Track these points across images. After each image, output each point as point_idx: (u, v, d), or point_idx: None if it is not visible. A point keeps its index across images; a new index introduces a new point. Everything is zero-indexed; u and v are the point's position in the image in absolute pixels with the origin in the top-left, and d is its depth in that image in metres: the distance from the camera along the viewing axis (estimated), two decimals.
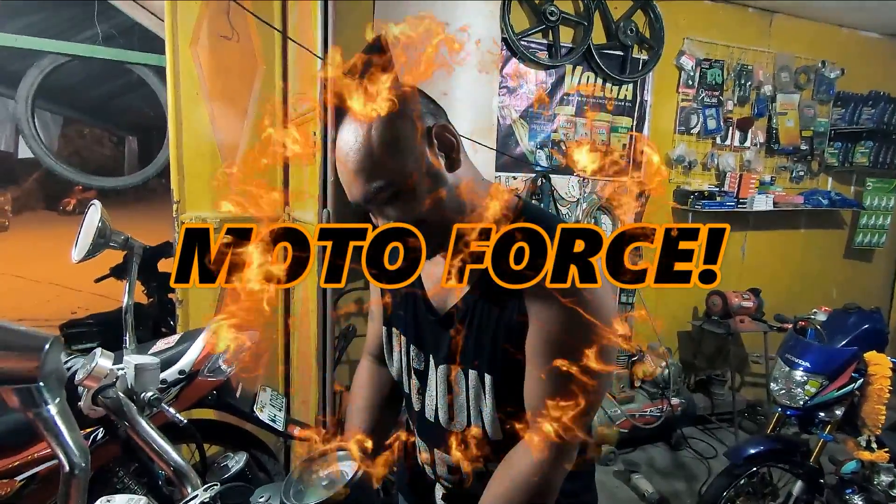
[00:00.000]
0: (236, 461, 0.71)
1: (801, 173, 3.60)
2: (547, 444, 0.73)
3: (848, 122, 3.56)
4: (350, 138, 0.71)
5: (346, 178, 0.73)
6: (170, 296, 2.69)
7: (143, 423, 0.71)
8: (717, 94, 3.25)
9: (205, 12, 2.14)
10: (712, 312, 3.22)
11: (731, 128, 3.33)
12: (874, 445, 1.79)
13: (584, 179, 3.02)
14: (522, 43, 2.75)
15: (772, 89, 3.38)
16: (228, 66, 2.20)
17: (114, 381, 0.75)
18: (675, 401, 2.96)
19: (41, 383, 0.54)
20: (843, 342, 1.93)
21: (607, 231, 3.13)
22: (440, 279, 0.83)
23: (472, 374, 0.80)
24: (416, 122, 0.72)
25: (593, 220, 3.09)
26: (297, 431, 1.71)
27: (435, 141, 0.73)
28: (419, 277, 0.86)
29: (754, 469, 1.95)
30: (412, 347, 0.88)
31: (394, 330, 0.92)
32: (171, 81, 2.11)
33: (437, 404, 0.85)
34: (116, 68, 2.79)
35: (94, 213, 1.35)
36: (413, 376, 0.89)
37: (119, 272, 2.77)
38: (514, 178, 2.88)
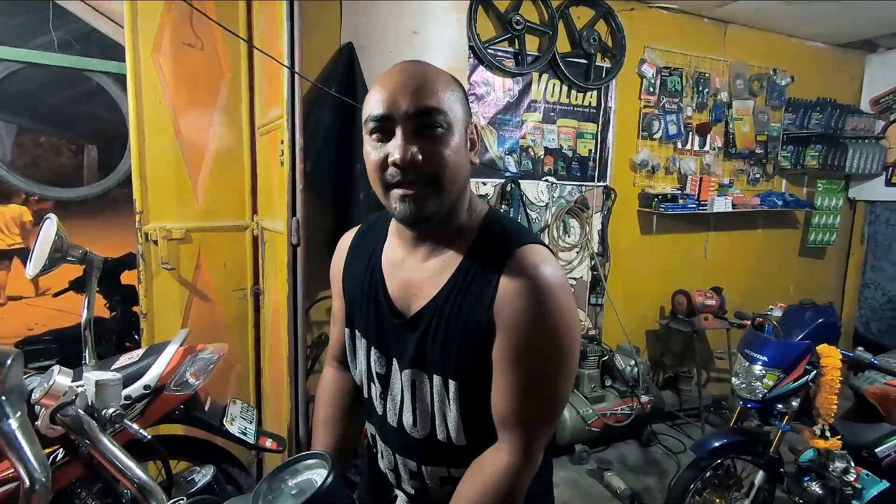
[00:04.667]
0: (203, 475, 0.70)
1: (757, 176, 3.77)
2: (515, 449, 0.74)
3: (798, 126, 3.75)
4: (422, 66, 0.75)
5: (409, 85, 0.72)
6: (134, 309, 2.61)
7: (105, 440, 0.69)
8: (676, 100, 3.38)
9: (167, 19, 2.10)
10: (678, 311, 3.33)
11: (690, 133, 3.46)
12: (828, 434, 1.88)
13: (552, 184, 3.08)
14: (489, 51, 2.79)
15: (728, 96, 3.53)
16: (192, 74, 2.16)
17: (73, 399, 0.73)
18: (644, 398, 3.04)
19: (3, 397, 0.54)
20: (800, 336, 2.02)
21: (576, 234, 3.20)
22: (404, 282, 0.83)
23: (436, 379, 0.79)
24: (468, 107, 0.79)
25: (562, 224, 3.15)
26: (268, 443, 1.68)
27: (468, 136, 0.78)
28: (383, 279, 0.85)
29: (719, 461, 2.02)
30: (374, 351, 0.87)
31: (356, 332, 0.90)
32: (133, 89, 2.06)
33: (399, 409, 0.84)
34: (74, 76, 2.70)
35: (50, 226, 1.31)
36: (375, 380, 0.88)
37: (79, 286, 2.68)
38: (484, 183, 2.92)
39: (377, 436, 0.92)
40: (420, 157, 0.71)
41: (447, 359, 0.77)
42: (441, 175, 0.73)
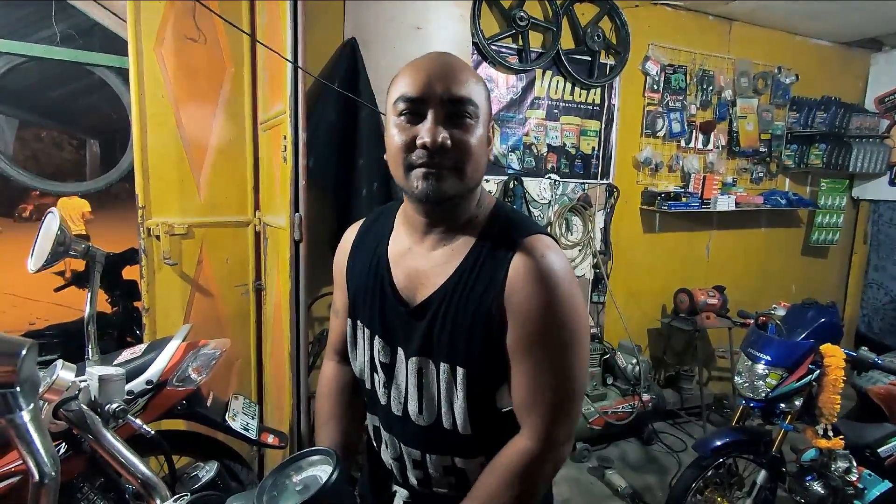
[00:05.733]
0: (207, 470, 0.70)
1: (761, 174, 3.75)
2: (533, 434, 0.75)
3: (802, 125, 3.73)
4: (456, 59, 0.78)
5: (445, 72, 0.74)
6: (135, 304, 2.61)
7: (109, 435, 0.68)
8: (680, 98, 3.36)
9: (169, 13, 2.09)
10: (680, 310, 3.32)
11: (694, 131, 3.45)
12: (830, 433, 1.87)
13: (555, 182, 3.07)
14: (493, 47, 2.78)
15: (732, 94, 3.52)
16: (195, 68, 2.16)
17: (76, 394, 0.73)
18: (645, 396, 3.04)
19: (17, 389, 0.53)
20: (802, 336, 2.01)
21: (578, 232, 3.19)
22: (411, 271, 0.83)
23: (443, 366, 0.79)
24: (491, 105, 0.81)
25: (564, 222, 3.14)
26: (270, 439, 1.68)
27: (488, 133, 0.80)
28: (388, 269, 0.85)
29: (721, 460, 2.02)
30: (377, 340, 0.86)
31: (358, 323, 0.90)
32: (135, 84, 2.05)
33: (404, 398, 0.84)
34: (76, 70, 2.69)
35: (53, 220, 1.30)
36: (379, 370, 0.87)
37: (80, 281, 2.68)
38: (487, 180, 2.91)
39: (381, 426, 0.91)
40: (449, 142, 0.73)
41: (455, 346, 0.78)
42: (465, 162, 0.75)
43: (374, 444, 0.96)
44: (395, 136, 0.75)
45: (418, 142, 0.72)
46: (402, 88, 0.74)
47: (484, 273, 0.77)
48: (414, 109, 0.74)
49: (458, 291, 0.78)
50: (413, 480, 0.88)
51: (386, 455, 0.92)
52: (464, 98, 0.73)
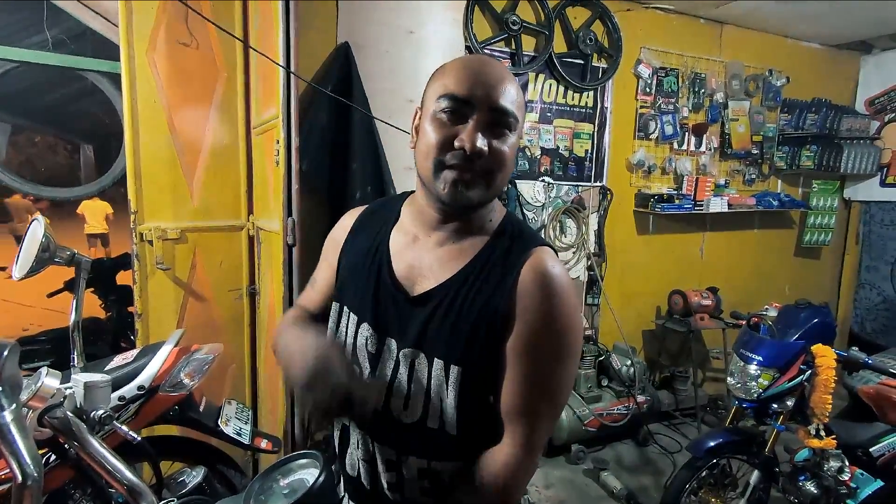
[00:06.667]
0: (193, 476, 0.70)
1: (753, 176, 3.77)
2: (518, 441, 0.76)
3: (794, 127, 3.75)
4: (503, 68, 0.78)
5: (494, 80, 0.74)
6: (129, 309, 2.60)
7: (94, 442, 0.68)
8: (673, 101, 3.38)
9: (162, 18, 2.09)
10: (674, 311, 3.33)
11: (686, 133, 3.47)
12: (823, 433, 1.88)
13: (549, 184, 3.08)
14: (486, 51, 2.79)
15: (724, 96, 3.54)
16: (188, 72, 2.16)
17: (61, 401, 0.73)
18: (640, 398, 3.04)
19: None
20: (795, 336, 2.02)
21: (572, 234, 3.20)
22: (412, 262, 0.82)
23: (437, 362, 0.78)
24: (525, 119, 0.83)
25: (558, 224, 3.15)
26: (263, 444, 1.68)
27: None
28: (388, 257, 0.84)
29: (715, 461, 2.02)
30: (365, 329, 0.83)
31: (344, 308, 0.86)
32: (127, 89, 2.05)
33: (388, 392, 0.81)
34: (69, 74, 2.69)
35: (38, 227, 1.29)
36: (360, 361, 0.84)
37: (73, 286, 2.67)
38: None
39: (351, 425, 0.87)
40: (487, 149, 0.73)
41: (455, 341, 0.77)
42: (497, 172, 0.76)
43: (339, 450, 0.90)
44: (431, 131, 0.75)
45: (456, 143, 0.73)
46: (450, 86, 0.74)
47: (493, 275, 0.77)
48: (457, 109, 0.74)
49: (463, 290, 0.77)
50: (383, 484, 0.84)
51: (354, 457, 0.87)
52: (508, 110, 0.74)
